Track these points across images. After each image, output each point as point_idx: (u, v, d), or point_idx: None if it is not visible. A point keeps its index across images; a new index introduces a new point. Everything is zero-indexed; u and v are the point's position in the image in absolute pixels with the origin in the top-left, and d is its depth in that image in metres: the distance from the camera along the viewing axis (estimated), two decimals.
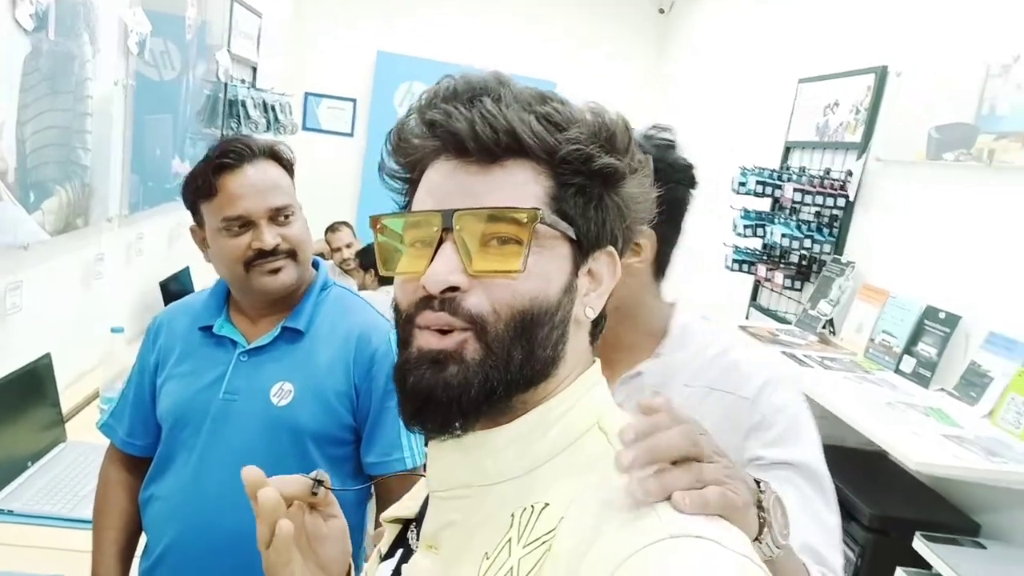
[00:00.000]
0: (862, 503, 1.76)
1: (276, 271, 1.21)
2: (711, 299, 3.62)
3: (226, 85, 3.46)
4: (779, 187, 2.96)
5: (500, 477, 0.57)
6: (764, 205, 3.20)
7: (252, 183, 1.21)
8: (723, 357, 1.00)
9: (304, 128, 4.96)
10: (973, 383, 1.96)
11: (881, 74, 2.65)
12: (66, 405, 2.02)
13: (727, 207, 3.27)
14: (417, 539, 0.64)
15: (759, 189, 3.03)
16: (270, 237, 1.19)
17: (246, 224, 1.20)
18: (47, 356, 1.93)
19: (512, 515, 0.56)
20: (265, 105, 3.80)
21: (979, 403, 1.92)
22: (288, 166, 1.28)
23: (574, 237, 0.58)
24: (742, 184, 3.08)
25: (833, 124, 2.90)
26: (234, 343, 1.25)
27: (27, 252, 1.92)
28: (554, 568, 0.52)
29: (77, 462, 1.85)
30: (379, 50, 5.03)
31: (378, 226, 0.60)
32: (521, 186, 0.57)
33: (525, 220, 0.55)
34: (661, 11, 5.28)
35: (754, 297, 3.37)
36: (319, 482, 0.64)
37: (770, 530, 0.61)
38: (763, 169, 3.12)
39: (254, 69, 4.00)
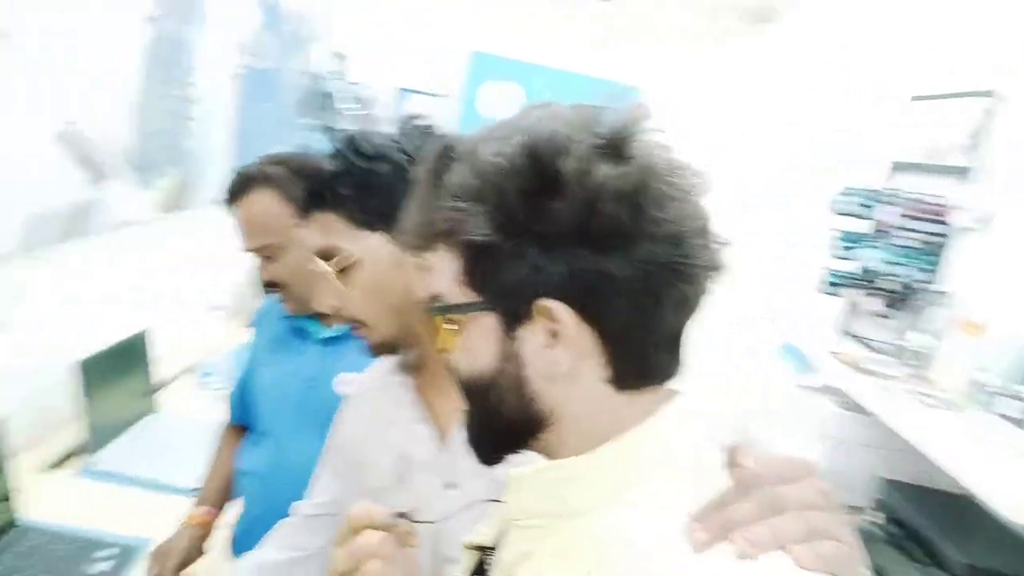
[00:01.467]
0: (951, 550, 1.66)
1: (284, 300, 1.28)
2: (800, 322, 3.50)
3: (321, 78, 3.57)
4: (881, 209, 2.84)
5: (579, 509, 0.57)
6: (864, 227, 3.07)
7: (239, 221, 1.27)
8: None
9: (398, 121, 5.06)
10: None
11: (994, 97, 2.51)
12: (166, 376, 2.13)
13: (825, 227, 3.15)
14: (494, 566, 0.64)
15: (860, 211, 2.90)
16: (263, 273, 1.27)
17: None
18: (146, 330, 2.03)
19: (589, 548, 0.55)
20: (356, 98, 3.90)
21: None
22: (288, 186, 1.25)
23: (493, 307, 0.58)
24: (843, 204, 2.96)
25: (943, 146, 2.76)
26: (312, 332, 1.31)
27: (137, 229, 2.03)
28: None
29: (167, 432, 1.94)
30: (474, 50, 5.09)
31: None
32: (440, 272, 0.60)
33: (435, 307, 0.60)
34: (762, 20, 5.13)
35: (846, 323, 3.24)
36: (403, 516, 0.67)
37: None
38: (865, 190, 2.99)
39: (348, 62, 4.11)
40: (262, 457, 1.31)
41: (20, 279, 1.57)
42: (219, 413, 1.95)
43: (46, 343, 1.71)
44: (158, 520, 1.49)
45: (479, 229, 0.55)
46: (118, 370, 1.91)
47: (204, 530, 1.40)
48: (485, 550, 0.67)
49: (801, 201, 3.87)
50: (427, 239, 0.60)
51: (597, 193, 0.53)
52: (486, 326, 0.58)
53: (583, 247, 0.54)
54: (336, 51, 3.77)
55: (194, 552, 1.36)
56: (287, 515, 1.18)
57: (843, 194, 2.97)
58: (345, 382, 1.16)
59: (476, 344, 0.59)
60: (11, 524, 1.42)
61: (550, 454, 0.60)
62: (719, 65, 5.22)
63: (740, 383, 3.07)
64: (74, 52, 1.60)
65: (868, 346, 2.97)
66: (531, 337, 0.57)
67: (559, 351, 0.56)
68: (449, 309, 0.59)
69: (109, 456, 1.76)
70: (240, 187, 1.25)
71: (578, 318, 0.55)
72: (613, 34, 5.14)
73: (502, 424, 0.60)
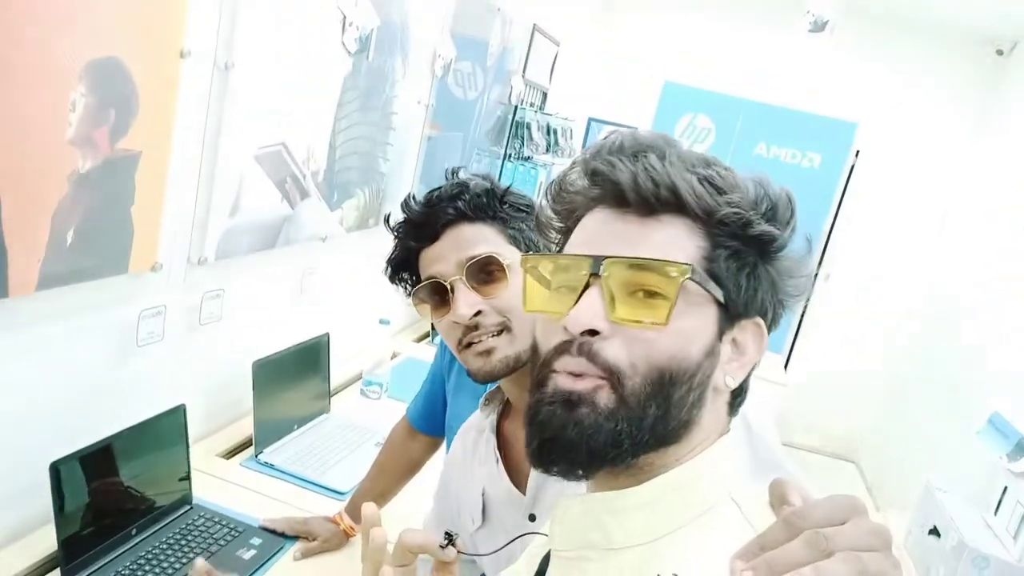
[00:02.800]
0: None
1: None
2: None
3: (516, 108, 3.69)
4: None
5: (626, 543, 0.57)
6: None
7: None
8: None
9: (584, 150, 5.12)
10: None
11: None
12: (334, 382, 2.28)
13: None
14: None
15: None
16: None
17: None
18: (327, 335, 2.19)
19: None
20: (548, 128, 3.98)
21: None
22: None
23: (722, 301, 0.58)
24: None
25: None
26: None
27: (324, 244, 2.20)
28: None
29: (334, 434, 2.08)
30: (667, 80, 5.03)
31: (528, 265, 0.62)
32: (675, 242, 0.57)
33: (675, 274, 0.55)
34: (999, 52, 4.61)
35: None
36: (449, 538, 0.63)
37: None
38: None
39: (544, 94, 4.22)
40: None
41: (217, 283, 1.76)
42: (378, 421, 2.07)
43: (231, 342, 1.90)
44: (305, 516, 1.61)
45: (762, 229, 0.58)
46: (298, 371, 2.08)
47: (348, 536, 1.57)
48: None
49: None
50: (664, 204, 0.57)
51: (809, 253, 0.62)
52: (708, 317, 0.58)
53: (788, 289, 0.61)
54: (535, 82, 3.90)
55: (334, 549, 1.53)
56: None
57: None
58: None
59: (695, 330, 0.57)
60: (187, 501, 1.59)
61: (628, 473, 0.58)
62: (948, 100, 4.74)
63: None
64: (287, 82, 1.78)
65: None
66: (726, 345, 0.59)
67: (735, 367, 0.59)
68: (706, 283, 0.56)
69: (276, 450, 1.91)
70: (443, 227, 1.31)
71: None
72: (827, 68, 4.85)
73: (662, 426, 0.56)
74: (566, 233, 0.65)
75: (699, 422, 0.58)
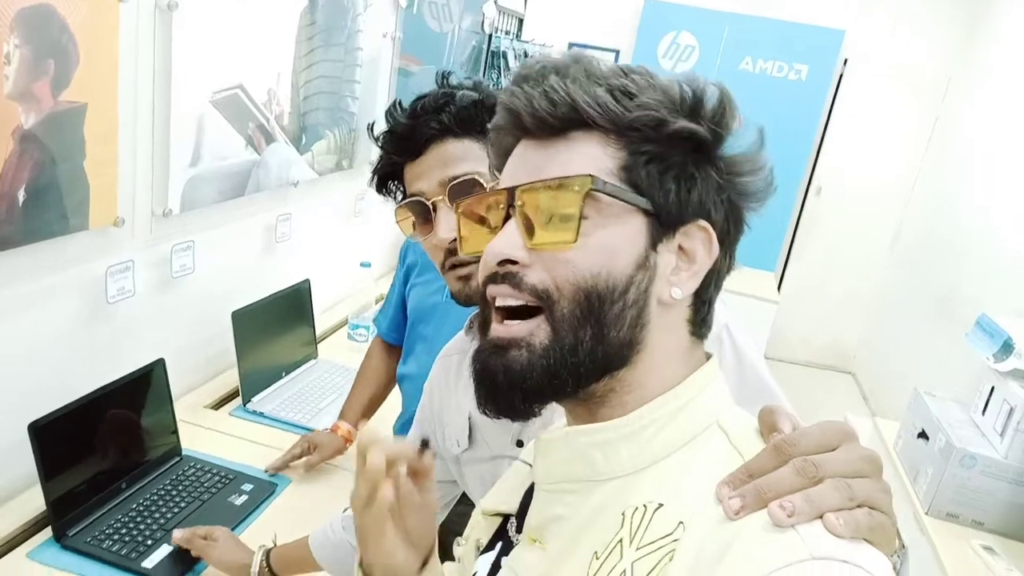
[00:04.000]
0: None
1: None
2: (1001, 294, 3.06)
3: (490, 36, 3.58)
4: None
5: (611, 473, 0.56)
6: None
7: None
8: None
9: None
10: None
11: None
12: (319, 328, 2.28)
13: None
14: (517, 532, 0.63)
15: None
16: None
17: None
18: (307, 281, 2.18)
19: (623, 514, 0.54)
20: (526, 56, 3.88)
21: None
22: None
23: (649, 208, 0.55)
24: None
25: None
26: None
27: (297, 189, 2.17)
28: None
29: (323, 378, 2.09)
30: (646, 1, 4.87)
31: (459, 210, 0.62)
32: (581, 158, 0.55)
33: (577, 188, 0.53)
34: None
35: None
36: (425, 444, 0.65)
37: (901, 559, 0.53)
38: None
39: (520, 20, 4.09)
40: (416, 361, 1.52)
41: (185, 235, 1.73)
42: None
43: (207, 294, 1.89)
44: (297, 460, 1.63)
45: (676, 133, 0.55)
46: (280, 319, 2.07)
47: (345, 445, 1.68)
48: (507, 517, 0.66)
49: None
50: (566, 122, 0.55)
51: (759, 147, 0.57)
52: (634, 228, 0.55)
53: (738, 187, 0.58)
54: (509, 8, 3.77)
55: (337, 455, 1.66)
56: None
57: None
58: None
59: (617, 243, 0.54)
60: (176, 453, 1.60)
61: (602, 404, 0.57)
62: (926, 14, 4.60)
63: None
64: (237, 21, 1.71)
65: None
66: (666, 255, 0.56)
67: (684, 276, 0.56)
68: (617, 192, 0.54)
69: (265, 398, 1.92)
70: (425, 143, 1.34)
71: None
72: None
73: (601, 349, 0.54)
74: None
75: (647, 341, 0.56)
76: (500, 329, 0.56)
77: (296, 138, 2.10)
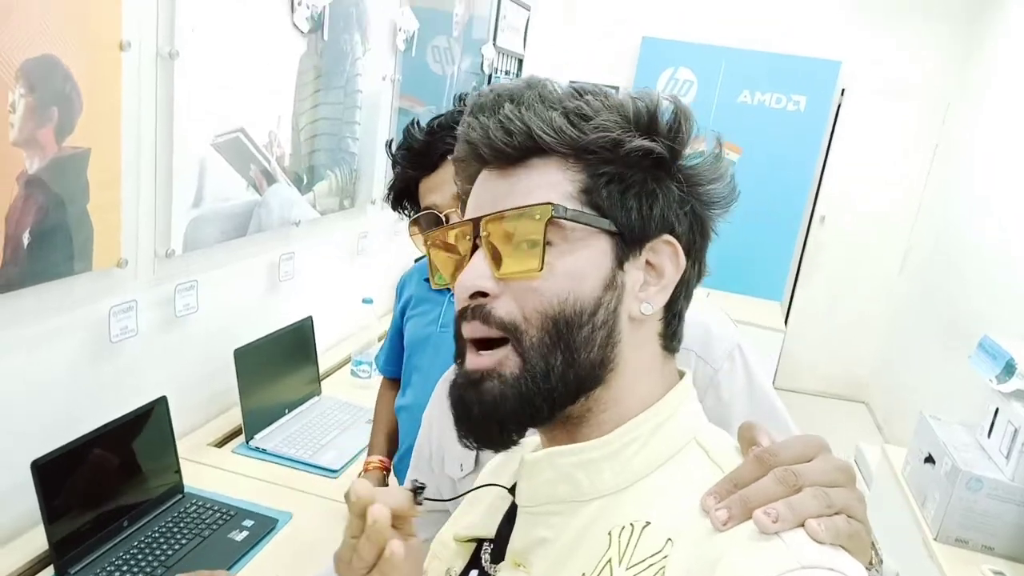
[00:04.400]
0: None
1: None
2: (1004, 316, 3.05)
3: (490, 77, 3.66)
4: None
5: (595, 493, 0.56)
6: None
7: (439, 183, 1.35)
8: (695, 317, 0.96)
9: None
10: None
11: None
12: (322, 366, 2.29)
13: None
14: (491, 562, 0.62)
15: None
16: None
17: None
18: (310, 318, 2.20)
19: (610, 533, 0.53)
20: None
21: None
22: None
23: (611, 229, 0.55)
24: None
25: None
26: (447, 288, 1.44)
27: (299, 228, 2.21)
28: None
29: (326, 415, 2.10)
30: (644, 36, 4.96)
31: (429, 243, 0.63)
32: (545, 185, 0.55)
33: (538, 216, 0.54)
34: None
35: None
36: (419, 490, 0.60)
37: (877, 568, 0.58)
38: None
39: (520, 60, 4.17)
40: (413, 391, 1.56)
41: (189, 275, 1.77)
42: (370, 399, 2.08)
43: (210, 332, 1.91)
44: (308, 500, 1.66)
45: (633, 152, 0.55)
46: (283, 356, 2.09)
47: (383, 473, 1.68)
48: (482, 542, 0.65)
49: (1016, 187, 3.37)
50: (523, 151, 0.56)
51: (717, 156, 0.59)
52: (599, 250, 0.55)
53: (701, 197, 0.59)
54: (508, 49, 3.85)
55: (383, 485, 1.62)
56: None
57: None
58: None
59: (583, 267, 0.55)
60: (179, 490, 1.61)
61: (580, 424, 0.57)
62: (931, 31, 4.66)
63: None
64: (237, 67, 1.77)
65: None
66: (633, 272, 0.56)
67: (652, 291, 0.57)
68: (579, 217, 0.54)
69: (268, 435, 1.93)
70: (440, 157, 1.39)
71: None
72: (806, 7, 4.77)
73: (572, 372, 0.54)
74: None
75: (619, 359, 0.56)
76: (473, 360, 0.57)
77: (298, 179, 2.15)
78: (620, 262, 0.56)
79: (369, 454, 1.72)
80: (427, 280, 1.59)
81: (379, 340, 2.40)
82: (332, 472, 1.82)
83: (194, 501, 1.59)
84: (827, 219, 5.01)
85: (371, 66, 2.45)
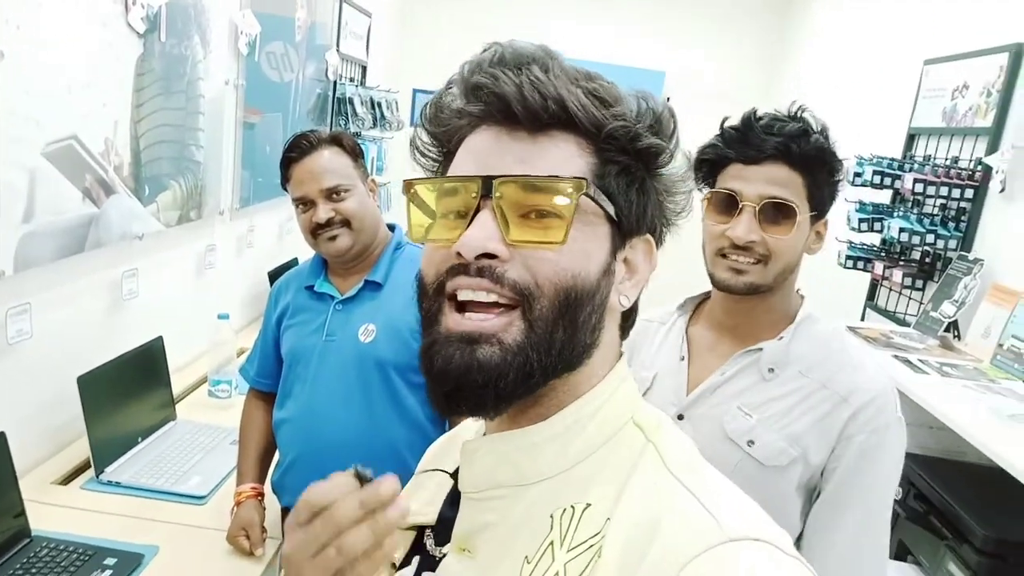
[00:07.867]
0: (976, 524, 1.59)
1: (333, 238, 1.48)
2: (822, 298, 3.41)
3: (335, 83, 3.59)
4: (899, 178, 2.74)
5: (538, 477, 0.55)
6: (883, 197, 2.97)
7: (309, 169, 1.47)
8: (844, 355, 1.07)
9: (412, 123, 5.07)
10: None
11: (1016, 52, 2.39)
12: (176, 388, 2.15)
13: (841, 200, 3.05)
14: (436, 544, 0.61)
15: (877, 180, 2.81)
16: (323, 212, 1.46)
17: (308, 203, 1.48)
18: (159, 339, 2.06)
19: (552, 516, 0.54)
20: (372, 102, 3.90)
21: None
22: (351, 150, 1.52)
23: (615, 217, 0.56)
24: (858, 175, 2.87)
25: (962, 109, 2.65)
26: (331, 297, 1.53)
27: (143, 242, 2.06)
28: (606, 573, 0.49)
29: (184, 440, 1.97)
30: (484, 44, 5.06)
31: (411, 191, 0.57)
32: (566, 158, 0.54)
33: (571, 190, 0.52)
34: None
35: (871, 297, 3.14)
36: (363, 477, 0.53)
37: None
38: (882, 158, 2.89)
39: (364, 67, 4.12)
40: (295, 403, 1.51)
41: (20, 297, 1.60)
42: (231, 419, 1.98)
43: (49, 359, 1.75)
44: (175, 530, 1.55)
45: (645, 148, 0.56)
46: (132, 381, 1.94)
47: (257, 500, 1.58)
48: (422, 529, 0.64)
49: None
50: (553, 119, 0.54)
51: (687, 170, 0.61)
52: (602, 234, 0.56)
53: (670, 206, 0.60)
54: (352, 56, 3.79)
55: (262, 518, 1.56)
56: (318, 450, 1.45)
57: (857, 164, 2.87)
58: (369, 332, 1.47)
59: (591, 248, 0.54)
60: (25, 535, 1.46)
61: (528, 407, 0.56)
62: (741, 45, 5.12)
63: None
64: (68, 70, 1.63)
65: (894, 319, 2.88)
66: (619, 264, 0.57)
67: (628, 286, 0.58)
68: (600, 199, 0.54)
69: (121, 467, 1.79)
70: (311, 145, 1.48)
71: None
72: (632, 20, 5.08)
73: (569, 350, 0.53)
74: (448, 156, 0.60)
75: (599, 344, 0.56)
76: (465, 323, 0.53)
77: (139, 189, 2.01)
78: (614, 251, 0.57)
79: (239, 483, 1.60)
80: (308, 288, 1.55)
81: (239, 356, 2.30)
82: (199, 499, 1.71)
83: (44, 544, 1.44)
84: None
85: (213, 70, 2.34)
